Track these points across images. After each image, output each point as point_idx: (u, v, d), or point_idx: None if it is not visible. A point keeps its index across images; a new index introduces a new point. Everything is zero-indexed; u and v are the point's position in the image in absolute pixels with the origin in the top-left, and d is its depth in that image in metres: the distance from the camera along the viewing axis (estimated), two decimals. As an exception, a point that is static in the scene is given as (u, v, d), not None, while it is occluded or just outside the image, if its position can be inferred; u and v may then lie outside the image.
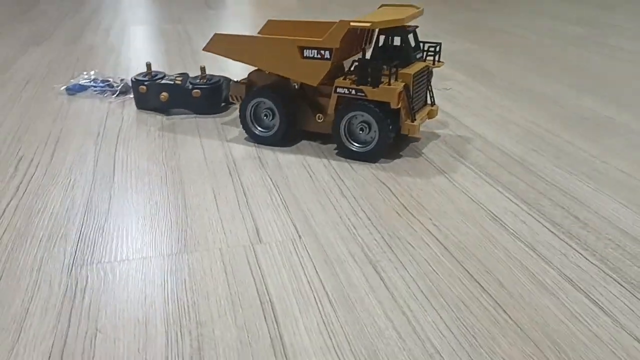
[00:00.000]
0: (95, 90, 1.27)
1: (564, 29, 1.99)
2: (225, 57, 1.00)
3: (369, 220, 0.76)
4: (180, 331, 0.56)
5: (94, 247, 0.70)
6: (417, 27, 1.00)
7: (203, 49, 1.01)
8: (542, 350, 0.53)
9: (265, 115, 1.00)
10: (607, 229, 0.73)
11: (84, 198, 0.82)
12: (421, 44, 1.01)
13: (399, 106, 0.90)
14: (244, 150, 0.98)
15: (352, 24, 0.88)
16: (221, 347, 0.54)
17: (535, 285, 0.62)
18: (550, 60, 1.56)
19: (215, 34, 1.00)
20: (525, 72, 1.45)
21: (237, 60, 1.00)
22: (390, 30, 0.96)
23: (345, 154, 0.95)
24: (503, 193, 0.83)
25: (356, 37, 0.97)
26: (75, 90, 1.27)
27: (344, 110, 0.93)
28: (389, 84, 0.89)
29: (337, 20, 0.90)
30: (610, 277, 0.64)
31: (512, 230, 0.73)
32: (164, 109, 1.16)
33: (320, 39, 0.92)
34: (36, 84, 1.35)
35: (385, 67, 0.92)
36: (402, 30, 0.96)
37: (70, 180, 0.88)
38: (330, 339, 0.55)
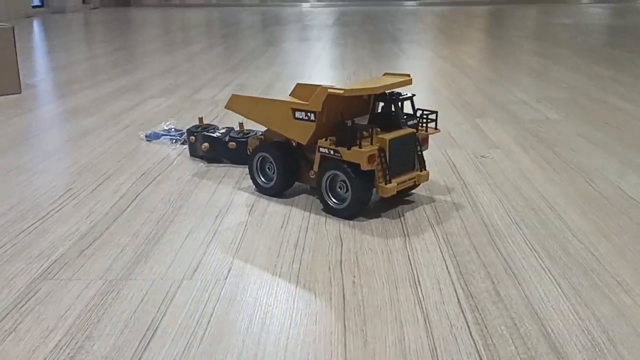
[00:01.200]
0: (166, 138, 1.45)
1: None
2: (242, 115, 1.13)
3: (299, 269, 0.82)
4: None
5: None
6: (413, 95, 1.06)
7: (225, 107, 1.15)
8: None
9: (268, 168, 1.10)
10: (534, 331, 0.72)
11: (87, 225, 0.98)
12: (420, 111, 1.06)
13: (369, 168, 0.95)
14: (245, 198, 1.09)
15: (329, 90, 0.97)
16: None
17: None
18: None
19: (233, 95, 1.13)
20: (608, 156, 1.40)
21: (250, 119, 1.12)
22: (381, 97, 1.03)
23: (326, 209, 1.02)
24: (449, 268, 0.85)
25: (357, 101, 1.05)
26: (152, 137, 1.47)
27: (325, 169, 1.00)
28: (360, 147, 0.95)
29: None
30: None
31: (423, 303, 0.75)
32: (207, 158, 1.31)
33: (307, 103, 1.01)
34: (129, 130, 1.57)
35: (365, 132, 0.99)
36: (392, 97, 1.02)
37: (85, 212, 1.05)
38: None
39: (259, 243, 0.91)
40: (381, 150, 0.97)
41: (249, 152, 1.16)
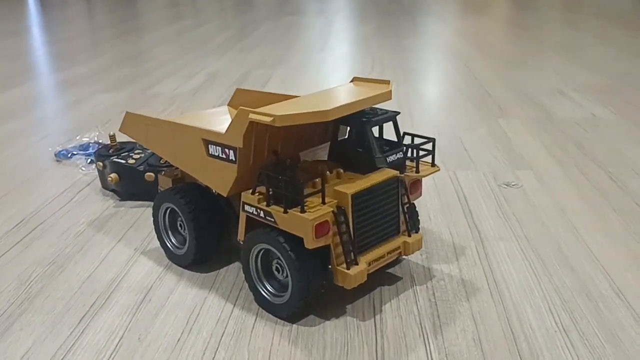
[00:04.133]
0: (80, 157, 1.08)
1: None
2: (142, 144, 0.75)
3: None
4: None
5: None
6: (396, 113, 0.67)
7: (120, 130, 0.77)
8: None
9: (180, 225, 0.73)
10: None
11: None
12: (407, 137, 0.67)
13: (316, 244, 0.57)
14: (143, 273, 0.72)
15: (251, 116, 0.58)
16: None
17: None
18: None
19: (127, 113, 0.75)
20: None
21: (150, 149, 0.74)
22: (345, 119, 0.64)
23: (258, 300, 0.65)
24: None
25: (307, 125, 0.67)
26: (61, 156, 1.10)
27: (252, 239, 0.63)
28: (302, 210, 0.57)
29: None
30: None
31: None
32: (121, 192, 0.94)
33: (223, 133, 0.63)
34: (46, 142, 1.20)
35: (313, 178, 0.61)
36: (364, 119, 0.63)
37: None
38: None
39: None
40: (339, 212, 0.59)
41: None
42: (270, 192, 0.60)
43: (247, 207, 0.62)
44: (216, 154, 0.64)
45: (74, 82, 1.78)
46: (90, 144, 1.12)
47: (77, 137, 1.17)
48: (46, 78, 1.85)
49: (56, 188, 0.98)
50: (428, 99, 1.44)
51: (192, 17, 3.39)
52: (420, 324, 0.61)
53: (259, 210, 0.61)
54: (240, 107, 0.60)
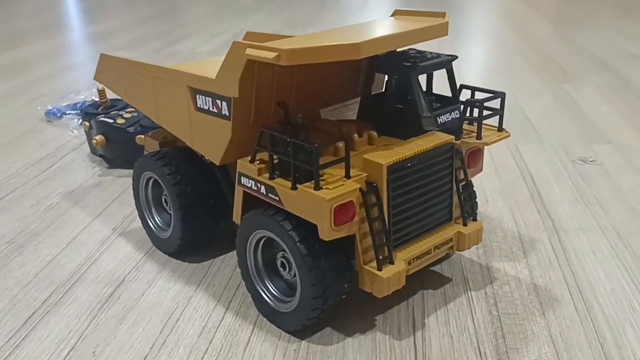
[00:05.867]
0: (71, 116, 0.93)
1: None
2: (117, 94, 0.59)
3: None
4: None
5: None
6: (453, 57, 0.49)
7: (94, 78, 0.61)
8: None
9: (165, 201, 0.57)
10: None
11: None
12: (466, 91, 0.50)
13: (337, 235, 0.40)
14: (117, 261, 0.56)
15: (248, 51, 0.41)
16: None
17: None
18: None
19: (101, 56, 0.59)
20: None
21: (126, 101, 0.58)
22: (385, 61, 0.47)
23: (259, 306, 0.48)
24: None
25: (331, 70, 0.50)
26: (51, 115, 0.95)
27: (250, 223, 0.46)
28: (317, 186, 0.40)
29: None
30: None
31: None
32: (109, 157, 0.78)
33: (213, 78, 0.46)
34: (40, 102, 1.05)
35: (338, 143, 0.44)
36: (409, 62, 0.46)
37: None
38: None
39: None
40: (369, 190, 0.42)
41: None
42: (275, 160, 0.43)
43: (244, 180, 0.46)
44: (205, 108, 0.48)
45: (89, 39, 1.63)
46: (87, 103, 0.97)
47: (71, 95, 1.01)
48: (63, 35, 1.70)
49: (38, 152, 0.83)
50: (480, 63, 1.25)
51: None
52: (478, 348, 0.44)
53: (259, 185, 0.44)
54: (235, 41, 0.43)
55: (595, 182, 0.69)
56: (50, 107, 0.96)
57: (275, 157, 0.43)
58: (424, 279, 0.52)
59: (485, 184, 0.69)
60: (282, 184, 0.42)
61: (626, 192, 0.66)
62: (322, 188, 0.41)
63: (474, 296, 0.49)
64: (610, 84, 1.07)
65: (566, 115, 0.92)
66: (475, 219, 0.49)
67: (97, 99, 0.84)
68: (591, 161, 0.74)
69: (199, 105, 0.48)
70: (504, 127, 0.51)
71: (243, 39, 0.67)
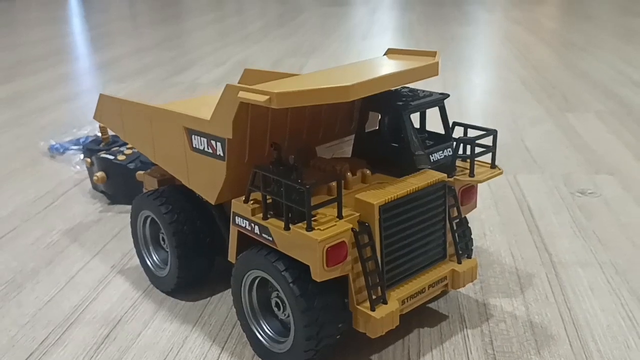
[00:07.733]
0: (74, 151, 0.94)
1: None
2: (117, 134, 0.59)
3: None
4: None
5: None
6: (445, 96, 0.49)
7: (94, 117, 0.62)
8: None
9: (163, 239, 0.57)
10: None
11: None
12: (458, 128, 0.50)
13: (328, 276, 0.41)
14: (114, 300, 0.56)
15: (241, 94, 0.42)
16: None
17: None
18: None
19: (101, 96, 0.59)
20: None
21: (125, 140, 0.59)
22: (376, 101, 0.47)
23: (253, 345, 0.48)
24: None
25: (325, 111, 0.50)
26: (54, 150, 0.96)
27: (244, 263, 0.46)
28: (308, 226, 0.40)
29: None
30: None
31: None
32: (109, 193, 0.79)
33: (208, 119, 0.46)
34: (42, 135, 1.06)
35: (329, 182, 0.44)
36: (401, 101, 0.46)
37: None
38: None
39: None
40: (362, 230, 0.42)
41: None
42: (268, 200, 0.43)
43: (238, 220, 0.46)
44: (201, 148, 0.48)
45: (91, 70, 1.65)
46: (89, 139, 0.98)
47: (74, 130, 1.02)
48: (68, 64, 1.72)
49: (39, 187, 0.84)
50: (481, 89, 1.26)
51: (233, 3, 3.25)
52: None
53: (253, 225, 0.44)
54: (228, 84, 0.44)
55: (594, 214, 0.69)
56: (54, 143, 0.97)
57: (268, 197, 0.43)
58: (421, 317, 0.51)
59: (484, 216, 0.69)
60: (275, 224, 0.43)
61: (625, 224, 0.66)
62: (314, 229, 0.41)
63: (470, 334, 0.49)
64: (612, 112, 1.07)
65: (567, 143, 0.92)
66: (470, 256, 0.49)
67: (99, 134, 0.85)
68: (590, 193, 0.74)
69: (194, 146, 0.49)
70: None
71: (241, 76, 0.68)
